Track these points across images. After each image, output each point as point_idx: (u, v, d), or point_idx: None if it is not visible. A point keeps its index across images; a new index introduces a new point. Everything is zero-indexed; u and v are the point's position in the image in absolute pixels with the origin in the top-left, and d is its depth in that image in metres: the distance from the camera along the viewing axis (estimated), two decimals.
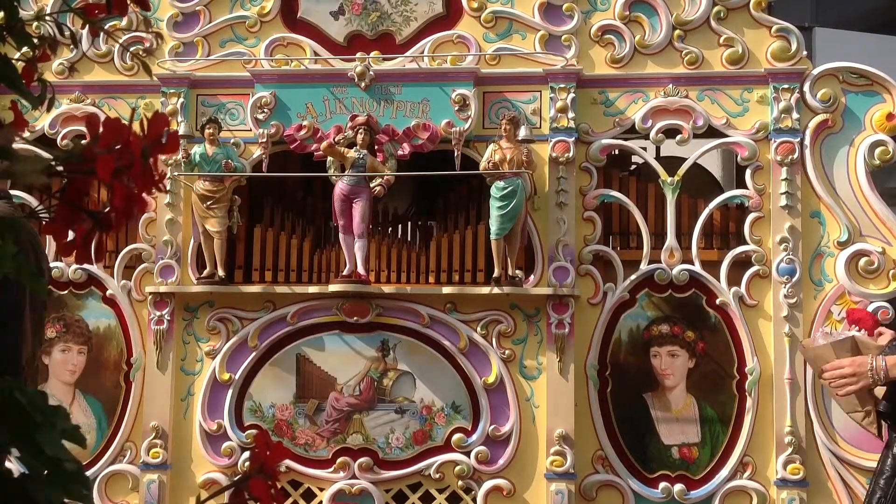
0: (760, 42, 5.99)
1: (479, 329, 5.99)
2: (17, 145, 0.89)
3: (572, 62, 6.06)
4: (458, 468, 5.94)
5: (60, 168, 0.86)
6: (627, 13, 6.10)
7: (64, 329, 6.35)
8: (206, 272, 6.11)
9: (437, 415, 6.01)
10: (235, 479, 0.96)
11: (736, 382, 5.88)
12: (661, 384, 5.95)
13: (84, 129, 6.08)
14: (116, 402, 6.28)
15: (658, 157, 6.31)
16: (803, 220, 5.86)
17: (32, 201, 6.28)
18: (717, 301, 5.91)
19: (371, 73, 6.09)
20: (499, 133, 5.89)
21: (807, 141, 5.89)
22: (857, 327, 3.38)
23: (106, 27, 1.14)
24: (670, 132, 6.03)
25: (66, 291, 6.36)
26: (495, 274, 5.87)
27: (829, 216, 5.87)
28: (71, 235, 0.89)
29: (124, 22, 6.06)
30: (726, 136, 5.99)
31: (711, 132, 6.03)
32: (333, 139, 6.01)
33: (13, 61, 0.97)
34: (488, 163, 5.84)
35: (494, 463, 5.93)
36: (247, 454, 5.92)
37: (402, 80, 6.14)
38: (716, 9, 6.02)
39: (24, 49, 1.03)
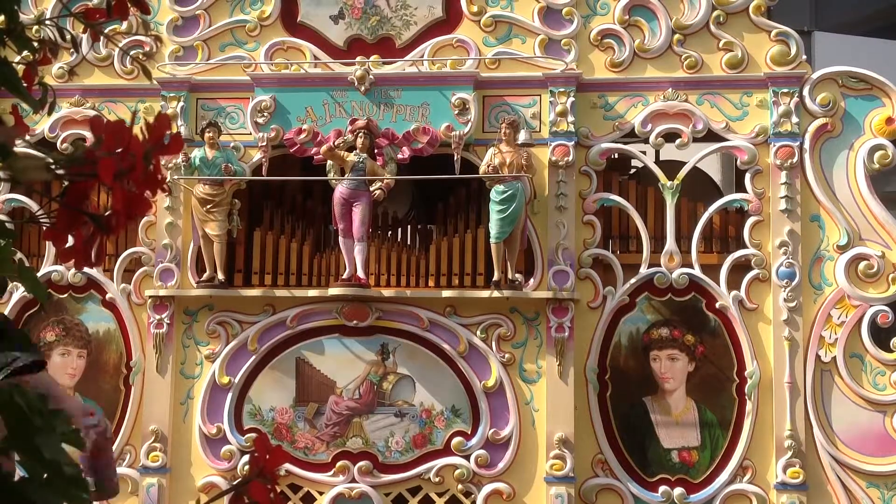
0: (760, 46, 6.00)
1: (478, 332, 5.99)
2: (18, 149, 0.89)
3: (572, 66, 6.06)
4: (457, 472, 5.94)
5: (62, 171, 0.86)
6: (627, 17, 6.11)
7: (63, 332, 6.35)
8: (205, 276, 6.11)
9: (437, 418, 6.01)
10: (235, 482, 0.96)
11: (736, 386, 5.88)
12: (660, 388, 5.95)
13: (84, 132, 6.09)
14: (116, 405, 6.27)
15: (658, 161, 6.31)
16: (803, 224, 5.86)
17: (33, 205, 6.28)
18: (717, 305, 5.91)
19: (371, 76, 6.10)
20: (498, 137, 5.89)
21: (806, 145, 5.89)
22: None
23: (106, 31, 1.14)
24: (670, 136, 6.03)
25: (65, 295, 6.35)
26: (495, 277, 5.87)
27: (828, 220, 5.87)
28: (71, 241, 0.89)
29: (124, 26, 6.04)
30: (726, 139, 5.99)
31: (711, 136, 6.03)
32: (333, 143, 6.01)
33: (14, 65, 0.97)
34: (488, 166, 5.84)
35: (494, 466, 5.93)
36: (246, 458, 5.92)
37: (402, 83, 6.14)
38: (715, 13, 6.03)
39: (25, 53, 1.03)
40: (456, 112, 6.00)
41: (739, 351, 5.87)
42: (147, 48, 6.16)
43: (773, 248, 5.86)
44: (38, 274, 6.09)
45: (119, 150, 0.85)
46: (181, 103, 6.22)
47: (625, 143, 6.13)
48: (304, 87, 6.19)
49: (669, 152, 6.29)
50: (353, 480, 6.01)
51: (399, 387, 6.06)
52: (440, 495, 5.99)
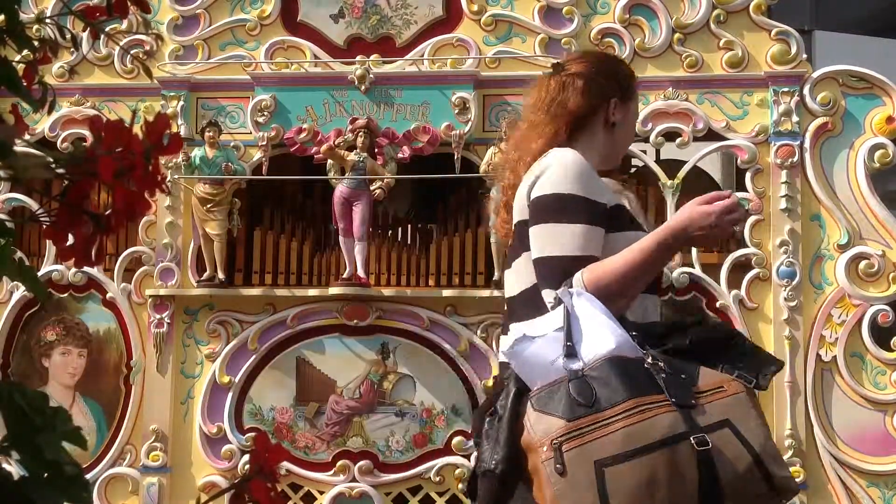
0: (760, 45, 6.00)
1: (479, 332, 5.99)
2: (18, 148, 0.89)
3: None
4: (458, 471, 5.94)
5: (62, 170, 0.86)
6: (627, 16, 6.11)
7: (64, 332, 6.35)
8: (206, 275, 6.11)
9: (438, 418, 6.01)
10: (235, 481, 0.96)
11: None
12: None
13: (84, 131, 6.10)
14: (116, 405, 6.27)
15: (658, 160, 6.31)
16: (803, 223, 5.86)
17: (33, 204, 6.28)
18: (718, 304, 5.91)
19: (371, 76, 6.10)
20: (499, 136, 5.88)
21: (807, 144, 5.89)
22: None
23: (106, 30, 1.14)
24: (670, 135, 6.03)
25: (66, 294, 6.35)
26: (495, 277, 5.87)
27: (829, 219, 5.87)
28: (71, 239, 0.89)
29: (124, 25, 6.06)
30: (726, 139, 5.99)
31: (711, 135, 6.03)
32: (333, 142, 6.01)
33: (14, 64, 0.97)
34: (488, 166, 5.84)
35: None
36: (247, 457, 5.92)
37: (402, 83, 6.14)
38: (715, 12, 6.03)
39: (25, 52, 1.03)
40: (456, 111, 6.00)
41: None
42: (147, 47, 6.16)
43: (774, 248, 5.85)
44: (39, 273, 6.10)
45: (119, 150, 0.85)
46: (181, 102, 6.22)
47: None
48: (305, 86, 6.19)
49: (670, 151, 6.28)
50: (354, 480, 6.01)
51: (399, 386, 6.06)
52: (441, 495, 5.99)
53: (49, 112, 1.31)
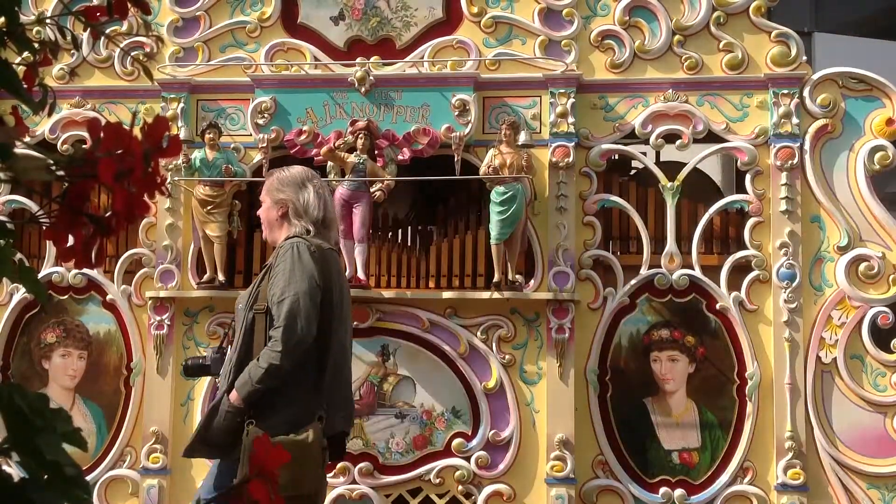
0: (760, 47, 6.00)
1: (479, 334, 5.99)
2: (19, 150, 0.89)
3: (572, 67, 6.06)
4: (458, 473, 5.94)
5: (62, 172, 0.86)
6: (627, 18, 6.11)
7: (64, 334, 6.35)
8: (206, 277, 6.11)
9: (438, 420, 6.01)
10: (235, 483, 0.96)
11: (736, 387, 5.88)
12: (661, 389, 5.95)
13: (84, 133, 6.10)
14: (116, 406, 6.28)
15: (658, 162, 6.31)
16: (803, 225, 5.87)
17: (33, 206, 6.28)
18: (718, 306, 5.91)
19: (371, 78, 6.10)
20: (499, 138, 5.89)
21: (807, 146, 5.89)
22: None
23: (107, 31, 1.14)
24: (670, 137, 6.03)
25: (66, 296, 6.36)
26: (495, 279, 5.87)
27: (829, 221, 5.87)
28: (71, 241, 0.89)
29: (124, 27, 6.04)
30: (726, 141, 5.99)
31: (711, 137, 6.03)
32: (334, 144, 6.01)
33: (14, 66, 0.97)
34: (488, 167, 5.84)
35: (495, 468, 5.93)
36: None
37: (403, 85, 6.14)
38: (715, 14, 6.03)
39: (25, 54, 1.03)
40: (456, 113, 6.00)
41: (740, 352, 5.87)
42: (148, 49, 6.16)
43: (774, 250, 5.86)
44: (39, 275, 6.09)
45: (119, 152, 0.85)
46: (181, 104, 6.22)
47: (625, 145, 6.13)
48: (305, 88, 6.20)
49: (670, 153, 6.29)
50: (354, 482, 6.01)
51: (399, 388, 6.06)
52: (441, 496, 5.99)
53: (49, 114, 1.31)
